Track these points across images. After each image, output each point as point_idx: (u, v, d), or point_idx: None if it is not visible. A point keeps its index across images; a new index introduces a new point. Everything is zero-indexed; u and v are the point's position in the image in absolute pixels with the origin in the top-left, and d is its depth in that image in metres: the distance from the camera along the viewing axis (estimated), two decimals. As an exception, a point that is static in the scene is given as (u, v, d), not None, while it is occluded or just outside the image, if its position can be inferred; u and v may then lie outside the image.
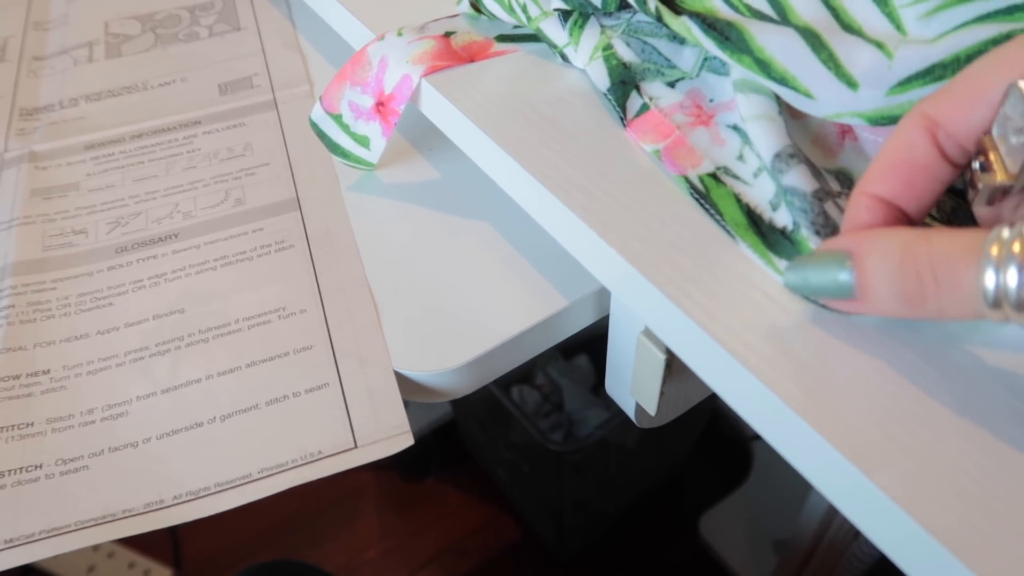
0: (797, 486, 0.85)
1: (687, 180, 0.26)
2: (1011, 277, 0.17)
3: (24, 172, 0.40)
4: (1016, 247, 0.17)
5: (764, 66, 0.25)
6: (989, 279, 0.18)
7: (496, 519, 1.06)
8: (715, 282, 0.23)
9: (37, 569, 0.97)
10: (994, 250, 0.17)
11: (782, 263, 0.23)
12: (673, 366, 0.29)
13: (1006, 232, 0.18)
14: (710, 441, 1.07)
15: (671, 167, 0.27)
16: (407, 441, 0.28)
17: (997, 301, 0.18)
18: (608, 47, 0.30)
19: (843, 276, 0.21)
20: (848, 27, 0.26)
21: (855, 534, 0.74)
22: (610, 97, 0.29)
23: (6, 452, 0.29)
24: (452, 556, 1.02)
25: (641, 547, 1.03)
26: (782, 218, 0.25)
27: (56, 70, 0.48)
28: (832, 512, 0.75)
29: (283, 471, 0.28)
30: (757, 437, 0.98)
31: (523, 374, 1.01)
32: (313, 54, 0.47)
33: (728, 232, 0.25)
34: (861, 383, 0.21)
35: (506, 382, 0.98)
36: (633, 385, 0.31)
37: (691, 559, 1.00)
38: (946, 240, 0.19)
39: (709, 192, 0.26)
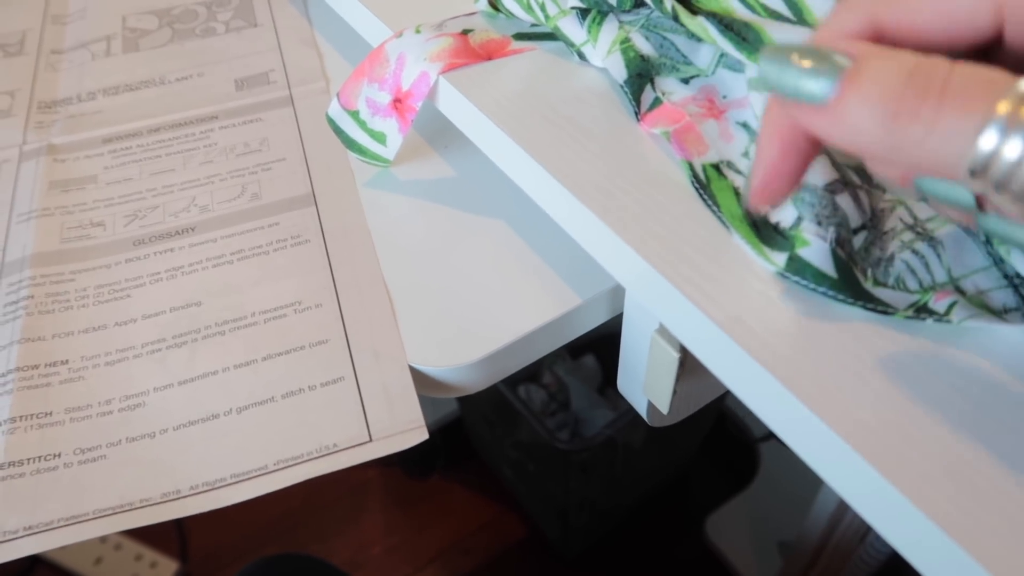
0: (804, 488, 0.85)
1: (691, 167, 0.26)
2: (1012, 148, 0.14)
3: (43, 164, 0.40)
4: None
5: None
6: (987, 140, 0.15)
7: (501, 517, 1.06)
8: (733, 281, 0.24)
9: (45, 561, 0.98)
10: (1003, 107, 0.15)
11: (775, 255, 0.24)
12: (686, 364, 0.29)
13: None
14: (717, 442, 1.06)
15: (678, 150, 0.27)
16: (422, 435, 0.28)
17: (979, 168, 0.15)
18: (626, 40, 0.30)
19: (826, 74, 0.17)
20: None
21: (861, 537, 0.74)
22: (626, 89, 0.29)
23: (25, 441, 0.29)
24: (456, 554, 1.03)
25: (646, 547, 1.03)
26: (778, 215, 0.25)
27: (74, 64, 0.48)
28: (838, 515, 0.74)
29: (298, 463, 0.28)
30: (764, 438, 0.98)
31: (530, 373, 1.01)
32: (329, 51, 0.47)
33: (723, 223, 0.25)
34: (879, 384, 0.21)
35: (513, 380, 0.99)
36: (646, 383, 0.31)
37: (696, 560, 1.00)
38: (972, 68, 0.16)
39: (710, 183, 0.26)
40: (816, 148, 0.20)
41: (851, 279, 0.22)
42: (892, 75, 0.17)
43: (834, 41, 0.18)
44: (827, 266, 0.22)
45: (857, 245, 0.24)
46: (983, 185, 0.15)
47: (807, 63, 0.17)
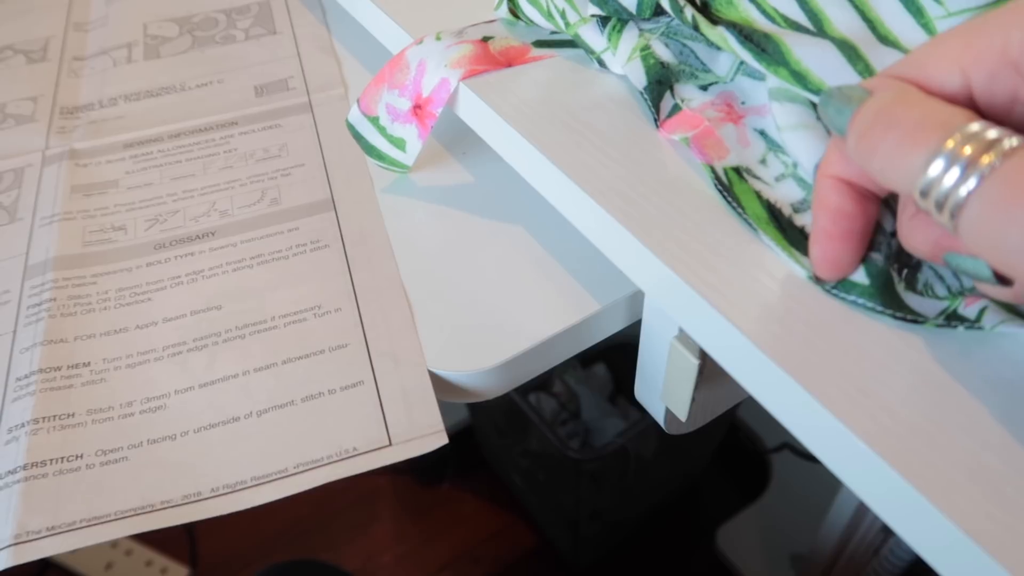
0: (817, 499, 0.84)
1: (712, 170, 0.26)
2: (950, 176, 0.17)
3: (65, 169, 0.41)
4: (967, 150, 0.17)
5: (800, 78, 0.26)
6: (935, 167, 0.18)
7: (511, 526, 1.06)
8: (755, 286, 0.24)
9: (56, 564, 0.98)
10: (950, 143, 0.18)
11: (806, 259, 0.24)
12: (705, 371, 0.29)
13: (974, 127, 0.18)
14: (728, 453, 1.06)
15: (698, 155, 0.27)
16: (441, 440, 0.28)
17: (925, 190, 0.18)
18: (646, 47, 0.30)
19: (847, 110, 0.21)
20: (884, 39, 0.26)
21: (875, 549, 0.73)
22: (646, 96, 0.30)
23: (48, 442, 0.29)
24: (466, 563, 1.02)
25: (657, 558, 1.02)
26: (803, 219, 0.25)
27: (96, 70, 0.48)
28: (852, 527, 0.74)
29: (318, 467, 0.28)
30: (776, 449, 0.98)
31: (540, 381, 1.01)
32: (347, 58, 0.47)
33: (750, 225, 0.25)
34: (904, 389, 0.21)
35: (524, 389, 0.98)
36: (664, 390, 0.31)
37: (707, 572, 0.99)
38: (931, 107, 0.19)
39: (732, 186, 0.26)
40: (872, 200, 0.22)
41: (882, 286, 0.22)
42: (867, 115, 0.20)
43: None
44: (859, 273, 0.22)
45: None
46: (927, 204, 0.18)
47: (838, 102, 0.21)
